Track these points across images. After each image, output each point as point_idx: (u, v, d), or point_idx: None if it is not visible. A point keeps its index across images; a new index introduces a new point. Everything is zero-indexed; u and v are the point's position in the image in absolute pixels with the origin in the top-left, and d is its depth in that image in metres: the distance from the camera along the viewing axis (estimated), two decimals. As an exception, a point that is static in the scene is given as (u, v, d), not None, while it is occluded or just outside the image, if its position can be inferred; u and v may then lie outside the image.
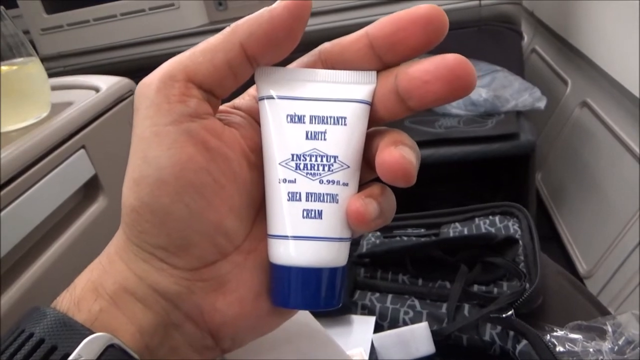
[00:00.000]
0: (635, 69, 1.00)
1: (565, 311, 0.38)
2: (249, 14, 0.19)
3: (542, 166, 1.39)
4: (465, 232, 0.48)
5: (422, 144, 1.17)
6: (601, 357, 0.30)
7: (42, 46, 1.43)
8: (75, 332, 0.17)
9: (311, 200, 0.19)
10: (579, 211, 1.19)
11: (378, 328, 0.40)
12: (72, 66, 1.43)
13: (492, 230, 0.48)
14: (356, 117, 0.19)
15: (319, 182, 0.19)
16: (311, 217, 0.19)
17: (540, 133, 1.41)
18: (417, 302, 0.40)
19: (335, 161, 0.19)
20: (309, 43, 0.24)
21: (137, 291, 0.19)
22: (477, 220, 0.50)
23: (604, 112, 1.12)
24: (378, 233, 0.51)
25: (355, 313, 0.41)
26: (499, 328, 0.36)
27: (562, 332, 0.35)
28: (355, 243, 0.49)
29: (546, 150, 1.38)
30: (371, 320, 0.39)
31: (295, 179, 0.19)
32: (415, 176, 0.18)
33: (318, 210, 0.19)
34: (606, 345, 0.31)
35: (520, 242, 0.45)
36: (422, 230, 0.52)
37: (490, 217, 0.50)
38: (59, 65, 1.44)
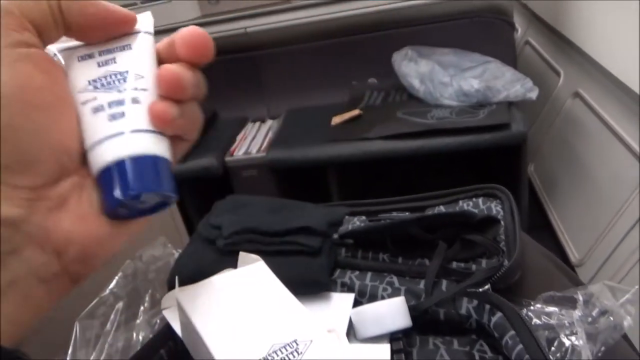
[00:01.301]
0: (626, 60, 1.00)
1: (543, 287, 0.39)
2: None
3: (535, 157, 1.39)
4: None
5: (414, 135, 1.17)
6: (573, 329, 0.30)
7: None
8: None
9: (114, 107, 0.22)
10: (571, 201, 1.19)
11: (357, 304, 0.40)
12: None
13: (476, 211, 0.48)
14: (138, 43, 0.24)
15: (117, 91, 0.22)
16: (117, 119, 0.22)
17: (534, 124, 1.41)
18: (395, 279, 0.40)
19: (127, 74, 0.23)
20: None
21: None
22: (460, 202, 0.51)
23: (596, 103, 1.12)
24: (363, 217, 0.51)
25: (335, 291, 0.41)
26: (475, 302, 0.36)
27: (539, 306, 0.35)
28: (339, 225, 0.49)
29: (539, 141, 1.38)
30: (350, 298, 0.39)
31: (95, 97, 0.22)
32: (184, 87, 0.23)
33: (121, 112, 0.22)
34: (577, 314, 0.31)
35: (502, 222, 0.45)
36: (407, 213, 0.52)
37: (474, 199, 0.50)
38: (51, 58, 1.43)
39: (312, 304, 0.39)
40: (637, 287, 0.31)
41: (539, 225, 1.26)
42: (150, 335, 0.41)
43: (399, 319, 0.34)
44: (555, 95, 1.33)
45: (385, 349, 0.34)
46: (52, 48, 0.24)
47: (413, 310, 0.36)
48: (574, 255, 1.09)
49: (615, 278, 0.93)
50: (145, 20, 0.26)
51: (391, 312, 0.34)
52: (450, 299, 0.36)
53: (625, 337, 0.38)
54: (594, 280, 1.00)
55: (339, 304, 0.39)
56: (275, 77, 1.56)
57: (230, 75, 1.54)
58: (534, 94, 1.15)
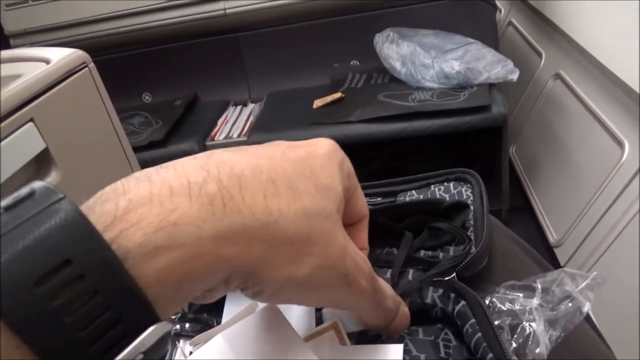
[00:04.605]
0: (607, 42, 1.00)
1: (511, 273, 0.39)
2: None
3: (516, 138, 1.40)
4: (422, 198, 0.48)
5: (396, 118, 1.16)
6: (531, 316, 0.30)
7: (8, 22, 1.38)
8: (143, 307, 0.15)
9: None
10: (551, 182, 1.20)
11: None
12: (39, 43, 1.39)
13: (447, 196, 0.48)
14: None
15: None
16: None
17: (515, 105, 1.41)
18: (363, 268, 0.40)
19: None
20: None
21: None
22: (432, 187, 0.50)
23: (576, 84, 1.12)
24: (337, 203, 0.51)
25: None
26: (440, 291, 0.36)
27: (502, 293, 0.35)
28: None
29: (520, 122, 1.38)
30: None
31: None
32: None
33: None
34: (535, 302, 0.31)
35: (472, 207, 0.45)
36: (379, 198, 0.52)
37: (445, 183, 0.50)
38: (25, 42, 1.40)
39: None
40: (595, 273, 0.31)
41: (520, 207, 1.27)
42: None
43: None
44: (536, 76, 1.33)
45: (398, 349, 0.34)
46: None
47: None
48: (552, 236, 1.10)
49: (591, 258, 0.94)
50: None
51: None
52: (416, 289, 0.36)
53: (587, 319, 0.38)
54: (572, 261, 1.02)
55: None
56: (257, 59, 1.53)
57: (211, 57, 1.52)
58: (514, 76, 1.15)
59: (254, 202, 0.18)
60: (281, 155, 0.21)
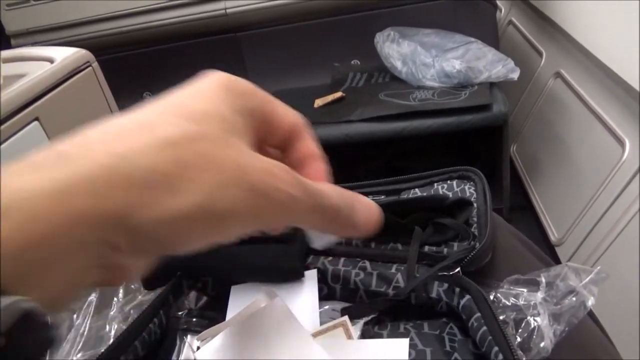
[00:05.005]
0: (608, 41, 1.00)
1: (515, 269, 0.39)
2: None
3: (517, 137, 1.40)
4: (425, 195, 0.49)
5: (396, 117, 1.17)
6: (535, 310, 0.31)
7: (9, 22, 1.38)
8: None
9: None
10: (552, 181, 1.21)
11: (330, 290, 0.40)
12: (40, 43, 1.39)
13: (450, 194, 0.49)
14: None
15: None
16: None
17: (517, 104, 1.42)
18: (368, 264, 0.40)
19: None
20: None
21: None
22: (435, 185, 0.51)
23: (576, 83, 1.13)
24: (340, 201, 0.51)
25: (308, 276, 0.41)
26: (445, 285, 0.37)
27: (507, 288, 0.36)
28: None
29: (521, 122, 1.39)
30: (313, 273, 0.40)
31: None
32: None
33: None
34: (539, 296, 0.31)
35: (475, 204, 0.46)
36: (383, 197, 0.52)
37: (449, 181, 0.51)
38: (26, 42, 1.40)
39: (280, 288, 0.40)
40: (599, 267, 0.31)
41: (521, 206, 1.28)
42: (124, 327, 0.41)
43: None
44: (537, 75, 1.33)
45: (403, 343, 0.34)
46: None
47: (395, 298, 0.37)
48: (553, 234, 1.11)
49: (592, 257, 0.95)
50: None
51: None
52: (422, 283, 0.37)
53: (590, 314, 0.39)
54: (573, 259, 1.02)
55: (306, 281, 0.39)
56: (258, 59, 1.54)
57: (212, 57, 1.52)
58: (515, 75, 1.15)
59: (96, 150, 0.16)
60: (150, 105, 0.19)
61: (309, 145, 0.25)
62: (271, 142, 0.24)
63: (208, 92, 0.20)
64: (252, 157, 0.19)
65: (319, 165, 0.25)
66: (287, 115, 0.24)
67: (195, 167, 0.17)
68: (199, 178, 0.17)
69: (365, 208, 0.23)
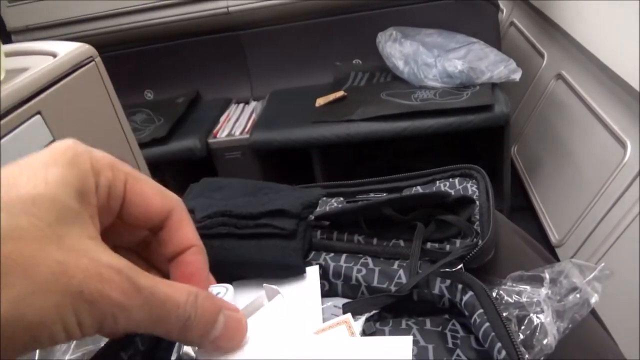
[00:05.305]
0: (609, 43, 1.00)
1: (517, 267, 0.39)
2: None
3: (518, 138, 1.40)
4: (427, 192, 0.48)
5: (398, 117, 1.17)
6: (539, 307, 0.31)
7: (10, 19, 1.38)
8: None
9: None
10: (552, 182, 1.21)
11: (331, 285, 0.40)
12: (41, 40, 1.39)
13: (452, 192, 0.48)
14: None
15: None
16: None
17: (518, 105, 1.42)
18: (370, 260, 0.40)
19: None
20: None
21: None
22: (437, 182, 0.51)
23: (578, 84, 1.13)
24: (341, 198, 0.51)
25: (310, 272, 0.41)
26: (448, 282, 0.37)
27: (509, 285, 0.36)
28: (314, 207, 0.49)
29: (522, 122, 1.38)
30: (315, 269, 0.40)
31: None
32: None
33: None
34: (543, 292, 0.31)
35: (477, 202, 0.45)
36: (385, 194, 0.52)
37: (451, 179, 0.50)
38: (27, 38, 1.40)
39: (282, 284, 0.39)
40: (603, 264, 0.31)
41: (521, 206, 1.28)
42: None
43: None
44: (538, 76, 1.33)
45: (407, 340, 0.34)
46: None
47: (397, 294, 0.36)
48: (554, 235, 1.11)
49: (593, 258, 0.95)
50: None
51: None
52: (424, 279, 0.37)
53: (593, 312, 0.39)
54: (573, 260, 1.02)
55: (308, 277, 0.39)
56: (260, 57, 1.54)
57: (214, 55, 1.52)
58: (517, 75, 1.15)
59: None
60: None
61: (187, 235, 0.23)
62: (135, 223, 0.22)
63: (43, 171, 0.18)
64: (79, 254, 0.17)
65: (195, 259, 0.23)
66: (159, 196, 0.22)
67: (6, 273, 0.16)
68: (9, 284, 0.16)
69: (232, 321, 0.22)
